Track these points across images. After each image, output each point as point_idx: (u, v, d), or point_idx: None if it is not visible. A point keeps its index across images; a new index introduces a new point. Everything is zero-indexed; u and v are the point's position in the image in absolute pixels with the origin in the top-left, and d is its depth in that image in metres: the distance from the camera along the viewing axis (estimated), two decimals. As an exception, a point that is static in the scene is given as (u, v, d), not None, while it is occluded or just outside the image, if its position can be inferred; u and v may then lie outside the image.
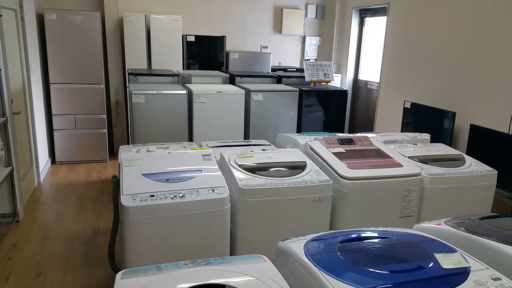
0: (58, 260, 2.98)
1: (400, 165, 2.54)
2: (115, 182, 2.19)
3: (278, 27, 6.27)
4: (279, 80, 4.99)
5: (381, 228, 1.54)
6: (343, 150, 2.68)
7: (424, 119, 4.37)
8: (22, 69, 4.08)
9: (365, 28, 6.16)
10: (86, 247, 3.18)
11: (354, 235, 1.45)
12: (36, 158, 4.40)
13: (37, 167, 4.43)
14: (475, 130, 3.74)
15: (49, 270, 2.85)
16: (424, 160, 2.70)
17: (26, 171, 4.04)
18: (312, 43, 6.48)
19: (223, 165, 2.42)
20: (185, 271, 1.23)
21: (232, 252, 2.24)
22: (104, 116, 5.17)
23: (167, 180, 2.13)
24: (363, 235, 1.46)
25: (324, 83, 4.90)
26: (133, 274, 1.21)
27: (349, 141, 2.82)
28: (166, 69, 5.17)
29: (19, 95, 3.92)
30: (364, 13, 6.08)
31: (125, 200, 1.95)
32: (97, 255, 3.06)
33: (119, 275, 1.21)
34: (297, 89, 4.47)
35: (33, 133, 4.34)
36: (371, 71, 6.04)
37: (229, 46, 5.97)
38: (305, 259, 1.27)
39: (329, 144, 2.74)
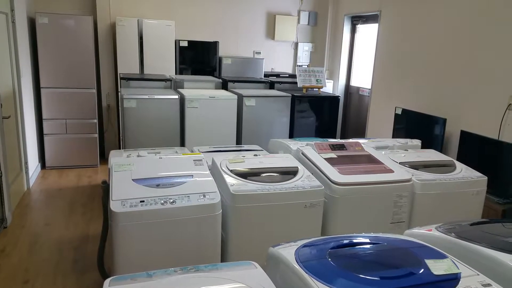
0: (47, 266, 2.94)
1: (391, 171, 2.55)
2: (105, 187, 2.17)
3: (271, 33, 6.29)
4: (271, 85, 4.99)
5: (372, 234, 1.53)
6: (334, 156, 2.69)
7: (415, 125, 4.40)
8: (13, 73, 4.05)
9: (357, 35, 6.21)
10: (75, 253, 3.14)
11: (345, 241, 1.44)
12: (26, 163, 4.35)
13: (27, 172, 4.38)
14: (465, 136, 3.77)
15: (38, 276, 2.81)
16: (415, 166, 2.71)
17: (15, 176, 3.99)
18: (305, 49, 6.51)
19: (214, 170, 2.41)
20: (175, 278, 1.21)
21: (223, 258, 2.22)
22: (96, 120, 5.13)
23: (158, 186, 2.11)
24: (354, 241, 1.45)
25: (316, 89, 4.92)
26: (122, 281, 1.19)
27: (341, 147, 2.82)
28: (158, 74, 5.16)
29: (9, 99, 3.88)
30: (356, 20, 6.13)
31: (114, 205, 1.93)
32: (87, 261, 3.02)
33: (107, 282, 1.20)
34: (290, 95, 4.48)
35: (23, 137, 4.29)
36: (363, 78, 6.07)
37: (222, 51, 5.98)
38: (296, 266, 1.26)
39: (321, 149, 2.74)
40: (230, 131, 4.21)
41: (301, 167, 2.51)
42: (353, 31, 6.24)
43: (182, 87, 4.57)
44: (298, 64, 6.51)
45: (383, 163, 2.65)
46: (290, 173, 2.42)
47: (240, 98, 4.27)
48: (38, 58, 4.79)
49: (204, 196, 2.09)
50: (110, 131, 5.60)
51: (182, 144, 4.13)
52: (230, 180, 2.25)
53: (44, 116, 4.92)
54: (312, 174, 2.46)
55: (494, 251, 1.39)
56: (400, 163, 2.73)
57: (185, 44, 5.55)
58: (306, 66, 6.54)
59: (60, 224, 3.62)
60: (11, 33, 3.99)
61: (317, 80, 4.92)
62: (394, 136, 4.75)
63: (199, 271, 1.26)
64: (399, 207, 2.50)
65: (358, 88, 6.20)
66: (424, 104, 4.54)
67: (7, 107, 3.80)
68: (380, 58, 5.32)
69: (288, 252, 1.36)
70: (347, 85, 6.42)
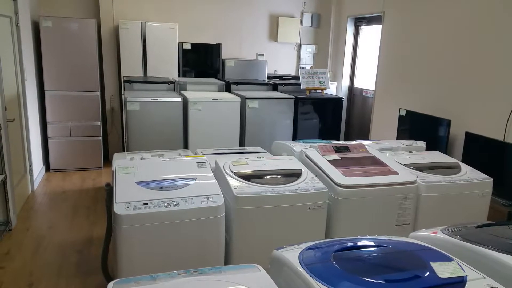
0: (51, 269, 2.94)
1: (395, 173, 2.54)
2: (108, 190, 2.16)
3: (274, 35, 6.29)
4: (274, 87, 4.99)
5: (376, 237, 1.52)
6: (338, 158, 2.68)
7: (420, 127, 4.38)
8: (17, 76, 4.07)
9: (360, 37, 6.20)
10: (79, 255, 3.14)
11: (349, 244, 1.43)
12: (30, 165, 4.36)
13: (31, 175, 4.39)
14: (470, 137, 3.75)
15: (41, 279, 2.81)
16: (420, 167, 2.70)
17: (20, 179, 4.00)
18: (308, 51, 6.51)
19: (218, 172, 2.41)
20: (178, 281, 1.20)
21: (227, 261, 2.22)
22: (99, 123, 5.14)
23: (161, 188, 2.11)
24: (358, 243, 1.44)
25: (320, 91, 4.91)
26: (126, 284, 1.19)
27: (345, 149, 2.81)
28: (161, 77, 5.17)
29: (13, 102, 3.89)
30: (359, 21, 6.12)
31: (118, 208, 1.93)
32: (91, 264, 3.02)
33: (110, 285, 1.19)
34: (293, 97, 4.47)
35: (27, 140, 4.31)
36: (366, 79, 6.06)
37: (225, 53, 5.98)
38: (300, 269, 1.25)
39: (325, 151, 2.73)
40: (233, 133, 4.21)
41: (304, 169, 2.50)
42: (356, 32, 6.23)
43: (185, 90, 4.57)
44: (301, 66, 6.51)
45: (387, 165, 2.64)
46: (293, 175, 2.41)
47: (243, 100, 4.26)
48: (42, 61, 4.81)
49: (208, 198, 2.08)
50: (113, 133, 5.61)
51: (186, 146, 4.13)
52: (234, 182, 2.24)
53: (48, 119, 4.94)
54: (316, 176, 2.45)
55: (501, 253, 1.37)
56: (404, 165, 2.72)
57: (188, 46, 5.56)
58: (309, 68, 6.54)
59: (64, 227, 3.62)
60: (15, 37, 4.01)
61: (320, 82, 4.91)
62: (398, 138, 4.73)
63: (203, 274, 1.25)
64: (404, 209, 2.49)
65: (361, 90, 6.19)
66: (428, 106, 4.52)
67: (12, 110, 3.81)
68: (384, 60, 5.31)
69: (292, 255, 1.35)
70: (351, 87, 6.41)
